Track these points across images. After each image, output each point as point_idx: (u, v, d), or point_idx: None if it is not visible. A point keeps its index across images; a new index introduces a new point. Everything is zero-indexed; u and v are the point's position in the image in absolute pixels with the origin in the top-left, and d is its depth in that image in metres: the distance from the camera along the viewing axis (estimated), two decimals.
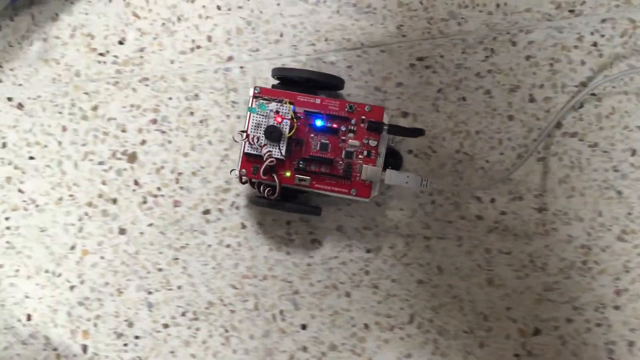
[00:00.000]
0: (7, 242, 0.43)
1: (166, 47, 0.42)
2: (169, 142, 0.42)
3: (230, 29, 0.42)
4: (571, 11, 0.39)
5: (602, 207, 0.39)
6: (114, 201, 0.42)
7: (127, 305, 0.42)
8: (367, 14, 0.41)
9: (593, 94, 0.39)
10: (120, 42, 0.43)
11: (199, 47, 0.42)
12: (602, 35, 0.39)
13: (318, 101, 0.37)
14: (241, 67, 0.42)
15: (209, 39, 0.42)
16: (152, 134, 0.42)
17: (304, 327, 0.41)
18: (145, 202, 0.42)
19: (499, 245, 0.40)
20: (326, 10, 0.41)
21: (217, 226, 0.42)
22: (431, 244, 0.40)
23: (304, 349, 0.41)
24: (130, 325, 0.42)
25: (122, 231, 0.42)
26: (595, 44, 0.39)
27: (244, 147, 0.37)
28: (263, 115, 0.37)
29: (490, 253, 0.40)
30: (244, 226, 0.41)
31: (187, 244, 0.42)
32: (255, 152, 0.37)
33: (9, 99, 0.43)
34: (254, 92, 0.37)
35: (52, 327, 0.42)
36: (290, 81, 0.38)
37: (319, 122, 0.37)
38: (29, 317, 0.42)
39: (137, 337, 0.42)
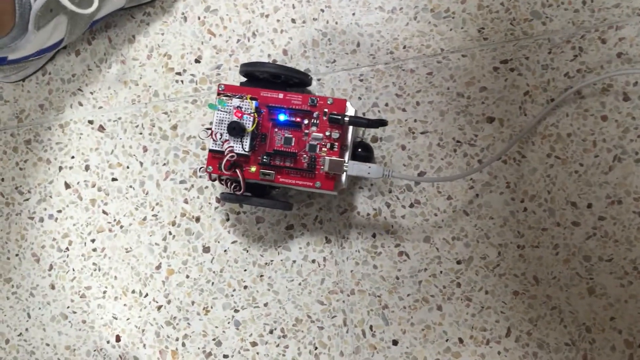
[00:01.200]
0: (94, 263, 0.43)
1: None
2: None
3: (306, 42, 0.42)
4: None
5: None
6: (197, 219, 0.42)
7: (214, 324, 0.42)
8: (445, 19, 0.40)
9: None
10: (197, 61, 0.43)
11: (275, 61, 0.42)
12: None
13: (281, 96, 0.37)
14: (318, 80, 0.41)
15: (285, 52, 0.42)
16: None
17: (395, 342, 0.40)
18: (228, 220, 0.42)
19: (599, 253, 0.38)
20: (403, 17, 0.41)
21: (301, 241, 0.41)
22: (525, 253, 0.39)
23: None
24: (219, 344, 0.41)
25: (206, 249, 0.42)
26: None
27: (210, 144, 0.37)
28: (226, 112, 0.37)
29: (589, 261, 0.38)
30: (328, 240, 0.41)
31: (272, 260, 0.41)
32: (219, 149, 0.37)
33: (90, 122, 0.44)
34: (218, 90, 0.37)
35: (141, 348, 0.42)
36: (257, 77, 0.38)
37: (282, 117, 0.37)
38: (117, 338, 0.42)
39: (225, 357, 0.41)
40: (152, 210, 0.43)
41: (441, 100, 0.40)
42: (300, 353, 0.41)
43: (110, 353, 0.42)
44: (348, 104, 0.37)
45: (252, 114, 0.37)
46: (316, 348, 0.40)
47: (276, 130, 0.37)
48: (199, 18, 0.43)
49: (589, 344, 0.38)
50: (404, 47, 0.40)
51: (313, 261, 0.41)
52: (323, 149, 0.37)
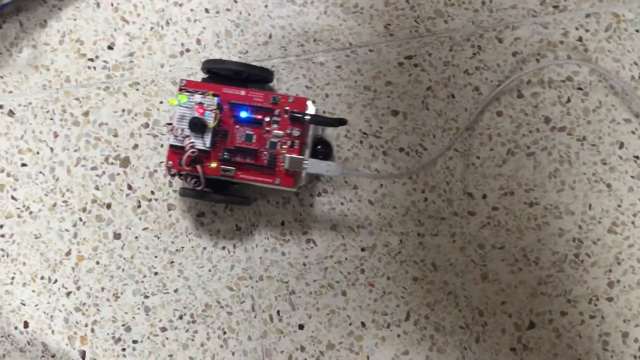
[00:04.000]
0: (2, 249, 0.43)
1: (156, 51, 0.42)
2: (162, 145, 0.42)
3: (219, 32, 0.42)
4: (555, 7, 0.40)
5: (592, 200, 0.39)
6: (108, 206, 0.42)
7: (124, 310, 0.42)
8: (354, 14, 0.41)
9: (580, 88, 0.39)
10: (110, 47, 0.43)
11: (188, 50, 0.42)
12: (587, 30, 0.39)
13: (243, 93, 0.38)
14: None
15: (198, 42, 0.42)
16: (144, 138, 0.42)
17: (301, 327, 0.41)
18: (139, 207, 0.42)
19: (492, 241, 0.40)
20: (314, 11, 0.42)
21: (212, 228, 0.42)
22: (425, 240, 0.40)
23: (302, 348, 0.41)
24: (128, 329, 0.42)
25: (117, 236, 0.42)
26: (580, 39, 0.40)
27: (170, 139, 0.38)
28: (188, 108, 0.38)
29: (483, 248, 0.40)
30: (238, 228, 0.42)
31: (183, 247, 0.42)
32: (180, 144, 0.38)
33: (0, 107, 0.43)
34: (180, 85, 0.38)
35: (49, 334, 0.42)
36: (218, 74, 0.39)
37: (243, 114, 0.38)
38: (25, 325, 0.42)
39: (135, 342, 0.42)
40: (63, 196, 0.43)
41: (349, 93, 0.41)
42: (209, 338, 0.41)
43: (18, 339, 0.42)
44: (308, 102, 0.38)
45: (214, 111, 0.37)
46: (225, 333, 0.41)
47: (237, 127, 0.38)
48: (112, 4, 0.43)
49: (482, 327, 0.40)
50: (314, 41, 0.42)
51: (223, 248, 0.42)
52: (283, 146, 0.38)
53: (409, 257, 0.41)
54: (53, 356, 0.42)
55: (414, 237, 0.41)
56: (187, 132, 0.37)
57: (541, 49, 0.40)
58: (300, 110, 0.37)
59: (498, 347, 0.40)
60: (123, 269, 0.42)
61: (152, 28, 0.43)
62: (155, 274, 0.42)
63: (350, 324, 0.41)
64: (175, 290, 0.42)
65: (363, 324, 0.41)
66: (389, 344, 0.40)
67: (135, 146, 0.42)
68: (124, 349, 0.42)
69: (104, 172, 0.42)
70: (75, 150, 0.43)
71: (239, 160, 0.38)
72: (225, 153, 0.38)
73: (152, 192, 0.42)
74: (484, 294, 0.40)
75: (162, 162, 0.42)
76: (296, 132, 0.38)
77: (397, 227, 0.41)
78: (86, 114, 0.43)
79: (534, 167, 0.40)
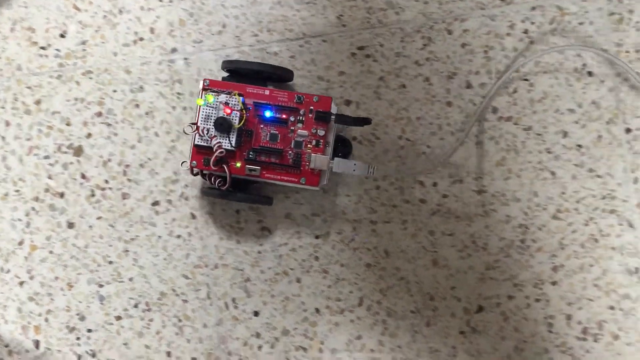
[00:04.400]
0: None
1: (109, 40, 0.42)
2: (115, 134, 0.42)
3: (173, 21, 0.42)
4: (502, 0, 0.41)
5: (538, 188, 0.41)
6: (61, 195, 0.42)
7: (78, 299, 0.42)
8: (307, 5, 0.42)
9: (526, 79, 0.41)
10: (62, 35, 0.42)
11: (142, 39, 0.42)
12: (533, 23, 0.41)
13: (267, 92, 0.38)
14: (185, 59, 0.42)
15: (152, 30, 0.42)
16: (98, 127, 0.42)
17: (256, 313, 0.42)
18: (93, 195, 0.42)
19: (442, 228, 0.41)
20: (267, 1, 0.42)
21: (167, 217, 0.42)
22: (377, 228, 0.41)
23: (257, 335, 0.41)
24: (82, 318, 0.42)
25: (71, 225, 0.42)
26: (526, 31, 0.41)
27: (194, 139, 0.38)
28: (213, 107, 0.38)
29: (434, 235, 0.41)
30: (193, 216, 0.42)
31: (137, 236, 0.42)
32: (205, 144, 0.38)
33: None
34: (204, 85, 0.38)
35: (2, 324, 0.42)
36: (239, 73, 0.39)
37: (268, 113, 0.38)
38: None
39: (89, 331, 0.42)
40: (15, 185, 0.42)
41: (303, 82, 0.42)
42: (164, 326, 0.42)
43: None
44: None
45: (240, 110, 0.37)
46: (180, 321, 0.42)
47: (262, 126, 0.38)
48: None
49: (432, 311, 0.41)
50: (268, 30, 0.42)
51: (178, 236, 0.42)
52: (308, 145, 0.38)
53: (362, 244, 0.41)
54: (6, 346, 0.42)
55: (367, 225, 0.41)
56: (213, 132, 0.37)
57: (489, 41, 0.41)
58: (325, 109, 0.38)
59: (448, 331, 0.41)
60: (77, 258, 0.42)
61: (104, 16, 0.42)
62: (110, 262, 0.42)
63: (304, 310, 0.41)
64: (130, 279, 0.42)
65: (317, 310, 0.41)
66: (343, 329, 0.41)
67: (89, 135, 0.42)
68: (78, 338, 0.42)
69: (57, 161, 0.42)
70: (28, 139, 0.42)
71: (264, 159, 0.38)
72: (251, 153, 0.38)
73: (106, 181, 0.42)
74: (435, 279, 0.41)
75: (113, 153, 0.42)
76: (321, 132, 0.38)
77: (350, 215, 0.41)
78: (38, 102, 0.42)
79: (482, 155, 0.41)
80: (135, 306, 0.42)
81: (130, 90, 0.42)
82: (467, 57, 0.41)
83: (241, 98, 0.38)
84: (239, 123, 0.38)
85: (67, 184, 0.42)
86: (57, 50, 0.42)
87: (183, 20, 0.42)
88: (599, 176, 0.40)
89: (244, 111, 0.38)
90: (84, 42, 0.42)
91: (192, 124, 0.38)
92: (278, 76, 0.39)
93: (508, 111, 0.41)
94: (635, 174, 0.40)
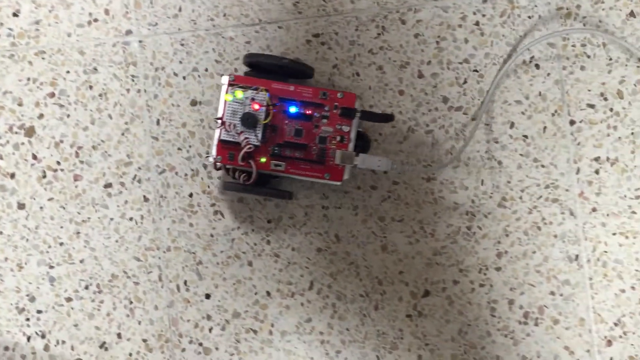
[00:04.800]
0: None
1: (62, 20, 0.42)
2: (68, 116, 0.42)
3: (128, 3, 0.42)
4: None
5: (485, 176, 0.42)
6: (12, 176, 0.42)
7: (28, 280, 0.42)
8: None
9: (475, 70, 0.42)
10: (15, 14, 0.42)
11: (96, 20, 0.42)
12: (484, 15, 0.42)
13: (292, 88, 0.39)
14: (140, 42, 0.42)
15: (107, 12, 0.42)
16: (50, 107, 0.42)
17: (207, 296, 0.42)
18: (44, 177, 0.42)
19: (392, 214, 0.42)
20: None
21: (120, 199, 0.42)
22: (329, 213, 0.42)
23: (208, 317, 0.42)
24: (32, 300, 0.42)
25: (21, 206, 0.42)
26: (477, 23, 0.42)
27: (220, 134, 0.38)
28: (240, 103, 0.38)
29: (384, 221, 0.42)
30: (146, 199, 0.42)
31: (89, 218, 0.42)
32: (231, 139, 0.38)
33: None
34: (229, 80, 0.38)
35: None
36: (260, 68, 0.39)
37: (293, 109, 0.39)
38: None
39: (39, 312, 0.42)
40: None
41: None
42: (115, 308, 0.42)
43: None
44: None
45: (268, 106, 0.38)
46: (131, 302, 0.42)
47: (286, 122, 0.38)
48: None
49: (380, 295, 0.42)
50: (224, 15, 0.42)
51: (131, 219, 0.42)
52: (332, 141, 0.38)
53: (313, 229, 0.42)
54: None
55: (319, 210, 0.42)
56: (240, 127, 0.38)
57: (441, 32, 0.42)
58: (349, 105, 0.38)
59: (395, 314, 0.42)
60: (27, 239, 0.42)
61: None
62: (61, 244, 0.42)
63: (255, 293, 0.42)
64: (81, 261, 0.42)
65: (268, 293, 0.42)
66: (293, 312, 0.42)
67: (41, 116, 0.42)
68: (27, 319, 0.42)
69: (7, 142, 0.42)
70: None
71: (288, 154, 0.38)
72: (276, 148, 0.38)
73: (58, 163, 0.42)
74: (384, 264, 0.42)
75: (65, 134, 0.42)
76: (346, 128, 0.38)
77: (302, 200, 0.42)
78: None
79: (432, 144, 0.42)
80: (86, 288, 0.42)
81: (84, 71, 0.42)
82: (420, 47, 0.42)
83: (267, 94, 0.38)
84: (266, 119, 0.38)
85: (17, 165, 0.42)
86: (10, 29, 0.42)
87: (138, 3, 0.42)
88: (543, 166, 0.42)
89: (271, 107, 0.38)
90: (37, 22, 0.42)
91: (218, 119, 0.38)
92: (300, 72, 0.40)
93: (458, 101, 0.42)
94: (578, 164, 0.41)
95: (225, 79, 0.38)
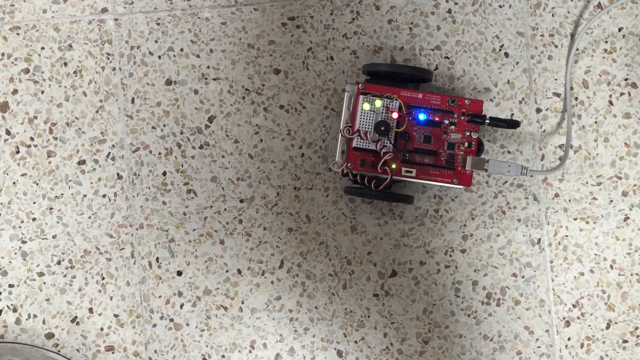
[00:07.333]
0: None
1: None
2: (42, 92, 0.42)
3: None
4: None
5: None
6: None
7: (0, 255, 0.42)
8: None
9: (447, 57, 0.43)
10: None
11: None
12: (456, 3, 0.43)
13: (420, 96, 0.39)
14: (116, 20, 0.42)
15: None
16: (24, 83, 0.42)
17: (179, 273, 0.43)
18: (18, 152, 0.42)
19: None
20: None
21: (93, 176, 0.42)
22: (300, 194, 0.43)
23: (180, 294, 0.43)
24: (4, 274, 0.42)
25: None
26: (449, 11, 0.43)
27: (354, 142, 0.39)
28: (373, 111, 0.39)
29: (354, 203, 0.43)
30: (120, 177, 0.42)
31: (62, 194, 0.42)
32: (363, 147, 0.39)
33: None
34: (359, 89, 0.39)
35: None
36: (379, 75, 0.40)
37: (422, 116, 0.39)
38: None
39: (11, 286, 0.42)
40: None
41: (233, 49, 0.43)
42: (87, 283, 0.42)
43: None
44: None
45: (403, 115, 0.38)
46: (103, 278, 0.42)
47: (415, 128, 0.39)
48: None
49: (349, 275, 0.43)
50: None
51: (104, 196, 0.42)
52: (461, 147, 0.39)
53: (285, 209, 0.43)
54: None
55: (290, 191, 0.43)
56: (375, 135, 0.39)
57: (414, 18, 0.43)
58: (477, 111, 0.39)
59: (363, 293, 0.43)
60: (0, 214, 0.42)
61: None
62: (34, 219, 0.42)
63: (227, 271, 0.43)
64: (54, 236, 0.42)
65: (239, 271, 0.43)
66: (263, 289, 0.43)
67: (15, 91, 0.42)
68: None
69: None
70: None
71: (418, 160, 0.39)
72: (407, 154, 0.39)
73: (32, 139, 0.42)
74: (353, 244, 0.43)
75: (39, 111, 0.42)
76: (474, 134, 0.39)
77: (274, 181, 0.43)
78: None
79: None
80: (58, 263, 0.42)
81: (59, 48, 0.42)
82: (393, 33, 0.43)
83: (398, 102, 0.39)
84: (401, 127, 0.39)
85: None
86: None
87: None
88: (509, 152, 0.43)
89: (405, 115, 0.39)
90: None
91: (348, 126, 0.39)
92: (419, 77, 0.40)
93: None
94: (543, 151, 0.43)
95: (350, 87, 0.39)
